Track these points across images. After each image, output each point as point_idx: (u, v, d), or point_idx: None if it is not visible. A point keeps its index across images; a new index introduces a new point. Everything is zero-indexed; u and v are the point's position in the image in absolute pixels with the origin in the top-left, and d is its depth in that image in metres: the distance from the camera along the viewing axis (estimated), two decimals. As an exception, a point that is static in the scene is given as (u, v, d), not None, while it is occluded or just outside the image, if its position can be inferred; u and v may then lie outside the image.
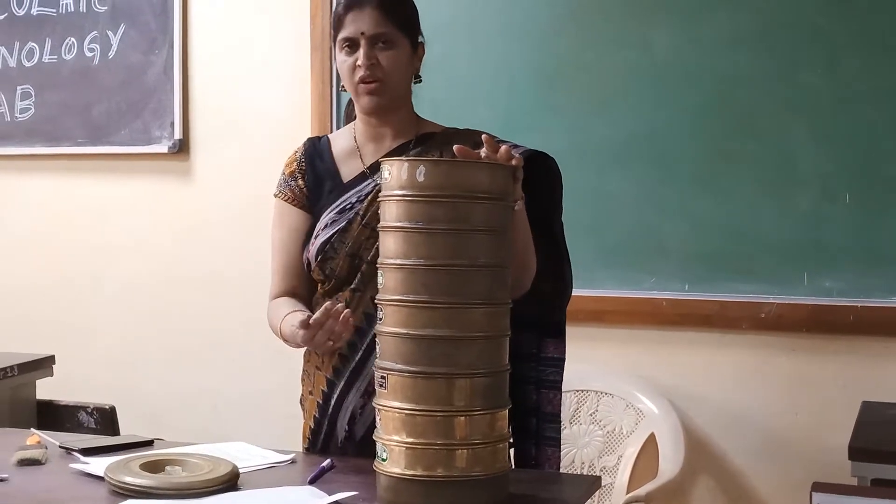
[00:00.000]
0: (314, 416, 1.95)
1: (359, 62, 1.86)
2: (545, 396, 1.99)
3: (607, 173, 2.89)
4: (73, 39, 3.48)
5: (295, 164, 2.01)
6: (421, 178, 1.55)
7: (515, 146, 1.89)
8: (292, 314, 1.86)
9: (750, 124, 2.78)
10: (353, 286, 1.88)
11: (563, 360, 2.00)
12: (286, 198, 1.99)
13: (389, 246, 1.59)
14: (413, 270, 1.56)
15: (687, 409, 2.84)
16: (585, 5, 2.91)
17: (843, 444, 2.21)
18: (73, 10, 3.48)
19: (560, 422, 2.01)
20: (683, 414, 2.81)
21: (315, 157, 2.00)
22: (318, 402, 1.94)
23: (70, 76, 3.49)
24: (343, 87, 1.95)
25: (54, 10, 3.51)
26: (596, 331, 2.88)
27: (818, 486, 1.52)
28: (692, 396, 2.85)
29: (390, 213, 1.59)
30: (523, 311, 1.80)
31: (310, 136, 3.09)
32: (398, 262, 1.57)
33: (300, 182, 1.98)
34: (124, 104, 3.42)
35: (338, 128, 3.11)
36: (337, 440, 1.92)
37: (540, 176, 1.91)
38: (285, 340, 1.90)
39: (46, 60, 3.52)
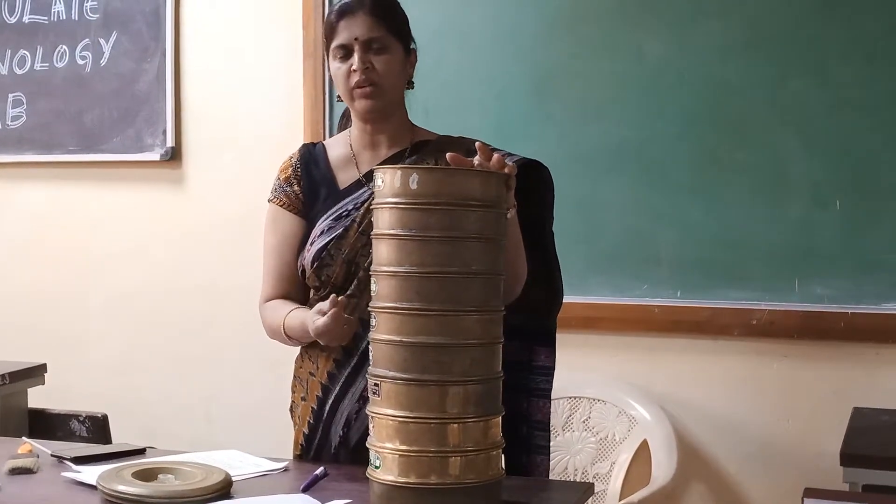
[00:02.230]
0: (308, 421, 1.95)
1: (353, 67, 1.87)
2: (535, 404, 2.00)
3: (599, 180, 2.89)
4: (64, 47, 3.48)
5: (290, 169, 2.01)
6: (414, 186, 1.56)
7: (510, 154, 1.90)
8: (298, 310, 1.89)
9: (741, 132, 2.79)
10: (349, 293, 1.88)
11: (553, 368, 2.01)
12: (281, 203, 1.99)
13: (382, 253, 1.59)
14: (406, 278, 1.56)
15: (679, 415, 2.84)
16: (577, 13, 2.92)
17: (835, 451, 2.21)
18: (64, 17, 3.47)
19: (549, 430, 2.02)
20: (676, 420, 2.82)
21: (311, 163, 2.00)
22: (312, 407, 1.94)
23: (62, 84, 3.48)
24: (339, 96, 1.96)
25: (46, 18, 3.50)
26: (588, 338, 2.89)
27: (810, 492, 1.53)
28: (684, 403, 2.85)
29: (383, 221, 1.59)
30: (514, 319, 1.81)
31: (303, 143, 3.12)
32: (391, 269, 1.58)
33: (295, 188, 1.98)
34: (116, 112, 3.42)
35: (331, 136, 3.11)
36: (331, 446, 1.91)
37: (532, 184, 1.92)
38: (287, 336, 1.91)
39: (38, 68, 3.51)
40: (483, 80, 3.01)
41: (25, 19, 3.53)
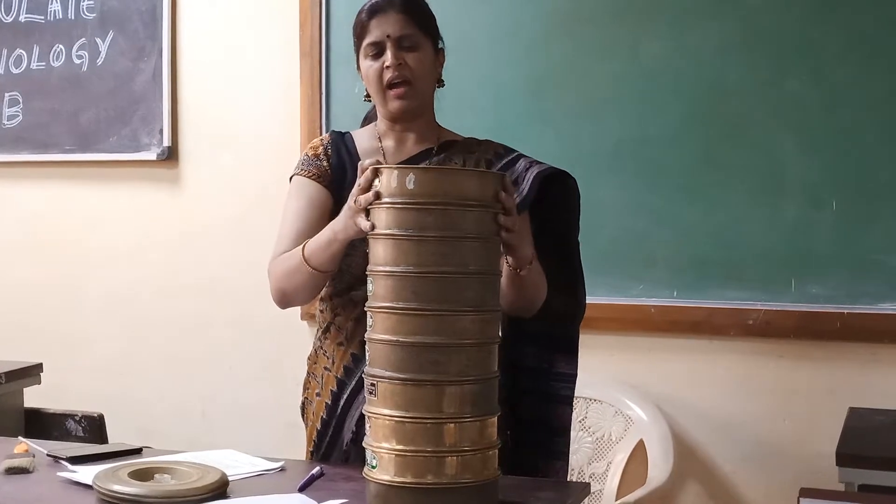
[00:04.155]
0: (321, 416, 1.95)
1: (387, 63, 1.87)
2: (555, 410, 2.00)
3: (596, 181, 2.88)
4: (61, 46, 3.47)
5: (321, 148, 1.99)
6: (411, 186, 1.56)
7: (538, 163, 1.90)
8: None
9: (738, 132, 2.79)
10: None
11: (574, 375, 2.01)
12: (309, 174, 1.95)
13: (379, 253, 1.59)
14: (403, 277, 1.56)
15: (675, 415, 2.84)
16: (574, 14, 2.92)
17: (831, 450, 2.22)
18: (61, 16, 3.47)
19: (569, 435, 2.02)
20: (672, 420, 2.82)
21: (341, 146, 1.99)
22: (326, 402, 1.94)
23: (58, 83, 3.48)
24: (366, 96, 1.96)
25: (42, 17, 3.50)
26: (585, 337, 2.83)
27: (806, 492, 1.53)
28: (681, 403, 2.85)
29: (380, 221, 1.59)
30: (535, 325, 1.82)
31: (298, 143, 3.13)
32: (388, 269, 1.57)
33: (324, 163, 1.96)
34: (113, 111, 3.41)
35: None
36: (343, 442, 1.92)
37: (559, 195, 1.92)
38: (307, 262, 1.80)
39: (34, 67, 3.51)
40: (480, 81, 3.00)
41: (22, 18, 3.52)
